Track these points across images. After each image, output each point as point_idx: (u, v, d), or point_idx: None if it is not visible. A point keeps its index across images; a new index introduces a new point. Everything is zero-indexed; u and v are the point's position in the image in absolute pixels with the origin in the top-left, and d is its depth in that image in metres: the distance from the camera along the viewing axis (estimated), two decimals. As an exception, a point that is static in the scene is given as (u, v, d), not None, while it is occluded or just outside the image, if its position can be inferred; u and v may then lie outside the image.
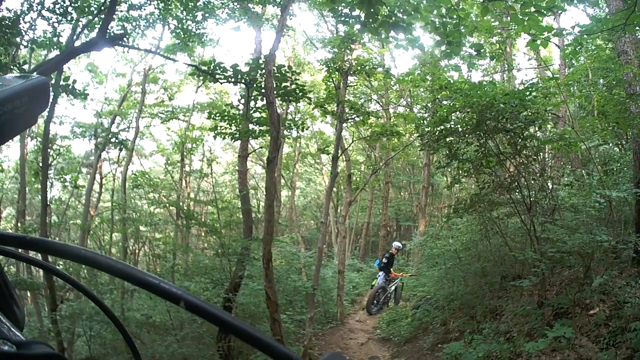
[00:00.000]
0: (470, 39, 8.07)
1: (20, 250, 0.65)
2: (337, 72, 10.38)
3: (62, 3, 8.30)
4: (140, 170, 19.67)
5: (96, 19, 8.85)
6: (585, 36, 7.46)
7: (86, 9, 8.75)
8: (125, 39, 8.51)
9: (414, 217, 21.38)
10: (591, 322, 5.39)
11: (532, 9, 4.10)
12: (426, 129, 8.87)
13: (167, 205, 15.53)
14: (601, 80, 10.21)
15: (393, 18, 4.90)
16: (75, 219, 21.11)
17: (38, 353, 0.48)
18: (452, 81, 8.02)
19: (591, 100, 9.30)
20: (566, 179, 9.29)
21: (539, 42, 4.92)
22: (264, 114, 8.61)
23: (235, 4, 10.37)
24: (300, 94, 7.96)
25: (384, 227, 20.12)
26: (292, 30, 15.72)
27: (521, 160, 7.55)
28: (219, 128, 9.35)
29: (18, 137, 11.52)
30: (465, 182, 10.95)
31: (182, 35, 10.26)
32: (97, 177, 19.11)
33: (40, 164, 11.28)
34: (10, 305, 0.67)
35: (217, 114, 9.20)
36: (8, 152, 18.81)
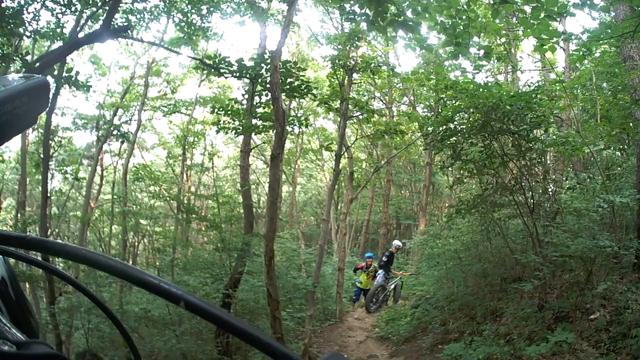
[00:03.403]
0: (476, 39, 8.04)
1: (20, 249, 0.66)
2: (341, 69, 10.34)
3: (66, -6, 8.26)
4: (141, 163, 19.64)
5: (100, 10, 8.79)
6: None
7: (90, 0, 8.70)
8: (129, 31, 8.45)
9: (415, 215, 21.38)
10: (592, 327, 5.40)
11: (543, 14, 4.07)
12: (430, 129, 8.84)
13: (168, 198, 15.50)
14: (605, 85, 10.18)
15: (401, 17, 4.87)
16: (76, 211, 21.11)
17: (38, 353, 0.49)
18: (457, 81, 7.98)
19: (595, 104, 9.28)
20: (569, 182, 9.28)
21: (546, 46, 4.90)
22: (267, 109, 8.58)
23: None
24: (305, 90, 7.92)
25: (384, 225, 20.14)
26: (297, 26, 15.67)
27: (525, 163, 7.53)
28: (221, 122, 9.32)
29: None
30: (467, 182, 10.92)
31: (187, 29, 10.20)
32: (98, 169, 19.08)
33: (41, 155, 11.25)
34: (25, 316, 0.69)
35: (221, 109, 9.17)
36: (9, 143, 18.72)
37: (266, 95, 8.22)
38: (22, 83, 0.62)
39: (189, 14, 10.01)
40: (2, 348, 0.47)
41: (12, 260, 0.77)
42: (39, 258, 0.93)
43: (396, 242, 13.06)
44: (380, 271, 12.11)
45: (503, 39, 11.97)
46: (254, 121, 8.68)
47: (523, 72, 15.70)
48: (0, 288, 0.67)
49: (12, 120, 0.59)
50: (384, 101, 17.35)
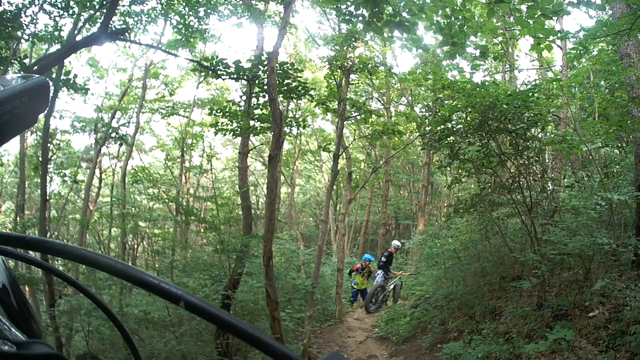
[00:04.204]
0: (473, 39, 8.06)
1: (19, 249, 0.65)
2: (339, 70, 10.35)
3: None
4: (140, 166, 19.66)
5: (98, 13, 8.80)
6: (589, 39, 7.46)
7: (88, 3, 8.69)
8: (126, 33, 8.45)
9: (414, 215, 21.39)
10: (591, 325, 5.40)
11: (538, 13, 4.08)
12: (428, 129, 8.85)
13: (167, 200, 15.49)
14: (602, 82, 10.20)
15: (397, 17, 4.88)
16: (75, 214, 21.09)
17: (38, 353, 0.48)
18: (454, 81, 8.00)
19: (592, 102, 9.30)
20: (567, 180, 9.30)
21: (543, 45, 4.92)
22: (265, 111, 8.58)
23: (238, 0, 10.33)
24: (302, 91, 7.93)
25: (383, 226, 20.15)
26: (294, 27, 15.69)
27: (522, 161, 7.54)
28: (219, 124, 9.32)
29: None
30: (466, 182, 10.93)
31: (184, 31, 10.21)
32: (97, 172, 19.08)
33: (40, 158, 11.24)
34: (27, 318, 0.69)
35: (218, 110, 9.17)
36: (8, 146, 18.74)
37: (264, 96, 8.22)
38: (21, 83, 0.61)
39: (186, 16, 10.01)
40: (2, 348, 0.47)
41: (12, 264, 0.76)
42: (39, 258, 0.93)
43: (395, 242, 13.08)
44: (379, 271, 12.12)
45: (500, 38, 12.00)
46: (251, 123, 8.68)
47: (520, 71, 15.75)
48: (0, 296, 0.66)
49: (11, 120, 0.59)
50: (382, 101, 17.38)
